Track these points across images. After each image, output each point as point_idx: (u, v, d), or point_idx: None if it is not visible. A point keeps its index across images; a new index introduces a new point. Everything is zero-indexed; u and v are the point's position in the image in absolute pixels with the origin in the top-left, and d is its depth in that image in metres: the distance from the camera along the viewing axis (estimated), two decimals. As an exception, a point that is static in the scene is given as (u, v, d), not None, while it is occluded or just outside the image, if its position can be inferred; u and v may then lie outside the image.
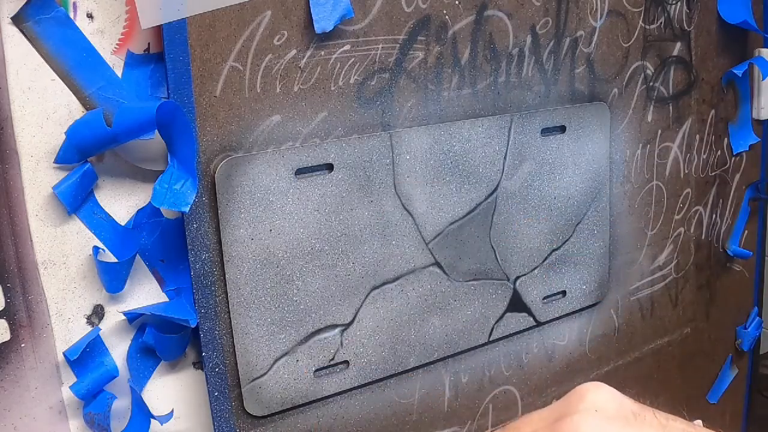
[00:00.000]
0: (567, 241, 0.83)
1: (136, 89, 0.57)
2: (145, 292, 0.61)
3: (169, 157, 0.57)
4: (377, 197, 0.68)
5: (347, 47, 0.65)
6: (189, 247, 0.60)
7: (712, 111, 0.98)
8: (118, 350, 0.61)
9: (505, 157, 0.76)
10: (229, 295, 0.62)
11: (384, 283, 0.70)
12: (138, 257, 0.60)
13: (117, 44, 0.56)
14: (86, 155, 0.55)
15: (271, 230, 0.63)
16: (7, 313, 0.55)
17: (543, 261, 0.82)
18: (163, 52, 0.56)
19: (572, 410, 0.39)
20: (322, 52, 0.64)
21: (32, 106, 0.53)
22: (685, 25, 0.91)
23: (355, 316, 0.69)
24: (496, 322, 0.79)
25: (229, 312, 0.63)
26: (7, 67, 0.52)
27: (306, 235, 0.65)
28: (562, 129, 0.80)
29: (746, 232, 1.07)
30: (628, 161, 0.89)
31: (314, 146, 0.64)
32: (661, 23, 0.88)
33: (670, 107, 0.92)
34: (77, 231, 0.57)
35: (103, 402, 0.60)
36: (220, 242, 0.61)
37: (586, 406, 0.39)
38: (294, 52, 0.62)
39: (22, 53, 0.52)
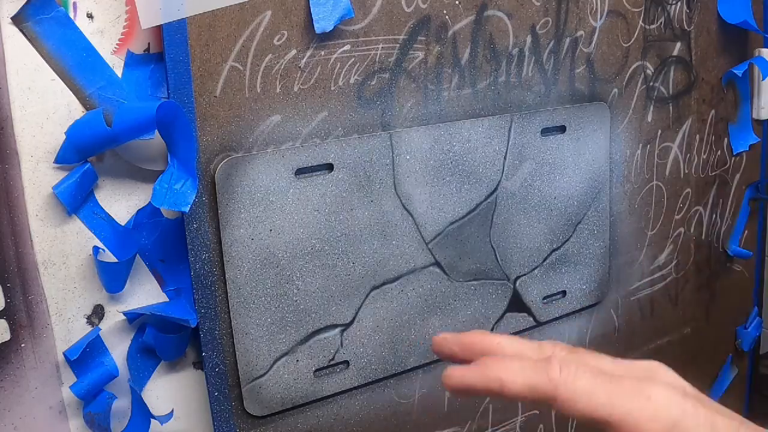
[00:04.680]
0: (567, 241, 0.83)
1: (136, 89, 0.57)
2: (145, 292, 0.61)
3: (169, 157, 0.57)
4: (377, 197, 0.68)
5: (347, 47, 0.65)
6: (189, 247, 0.60)
7: (712, 111, 0.98)
8: (118, 350, 0.61)
9: (505, 157, 0.76)
10: (229, 295, 0.62)
11: (384, 283, 0.70)
12: (138, 257, 0.60)
13: (117, 44, 0.56)
14: (86, 155, 0.55)
15: (271, 230, 0.63)
16: (7, 313, 0.55)
17: (543, 261, 0.82)
18: (163, 52, 0.56)
19: (651, 377, 0.38)
20: (322, 52, 0.64)
21: (32, 106, 0.53)
22: (685, 25, 0.91)
23: (355, 316, 0.69)
24: (496, 322, 0.79)
25: (229, 312, 0.63)
26: (7, 67, 0.52)
27: (306, 235, 0.65)
28: (562, 129, 0.80)
29: (746, 232, 1.07)
30: (628, 161, 0.89)
31: (314, 146, 0.64)
32: (661, 23, 0.88)
33: (670, 107, 0.92)
34: (77, 231, 0.57)
35: (103, 402, 0.60)
36: (220, 242, 0.61)
37: (662, 380, 0.38)
38: (294, 52, 0.62)
39: (22, 53, 0.53)
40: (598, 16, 0.81)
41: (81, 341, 0.58)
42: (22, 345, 0.56)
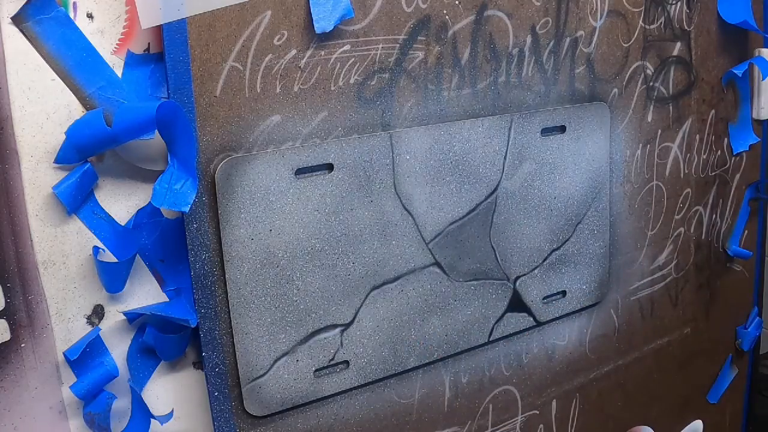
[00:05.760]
0: (567, 241, 0.83)
1: (136, 89, 0.57)
2: (145, 292, 0.61)
3: (169, 157, 0.57)
4: (377, 197, 0.68)
5: (347, 47, 0.65)
6: (189, 247, 0.60)
7: (712, 111, 0.98)
8: (118, 350, 0.61)
9: (505, 157, 0.76)
10: (229, 295, 0.62)
11: (384, 283, 0.70)
12: (138, 257, 0.60)
13: (117, 44, 0.56)
14: (86, 155, 0.55)
15: (271, 230, 0.63)
16: (7, 313, 0.55)
17: (543, 261, 0.82)
18: (163, 52, 0.56)
19: None
20: (322, 52, 0.64)
21: (32, 106, 0.53)
22: (685, 25, 0.91)
23: (355, 316, 0.69)
24: (496, 322, 0.79)
25: (229, 312, 0.63)
26: (7, 67, 0.52)
27: (306, 235, 0.65)
28: (562, 129, 0.80)
29: (746, 232, 1.07)
30: (628, 161, 0.89)
31: (314, 146, 0.64)
32: (661, 23, 0.88)
33: (670, 107, 0.92)
34: (77, 231, 0.57)
35: (103, 402, 0.60)
36: (220, 242, 0.61)
37: None
38: (294, 52, 0.62)
39: (22, 53, 0.53)
40: (598, 16, 0.81)
41: (81, 341, 0.58)
42: (22, 345, 0.56)
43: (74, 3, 0.54)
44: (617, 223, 0.89)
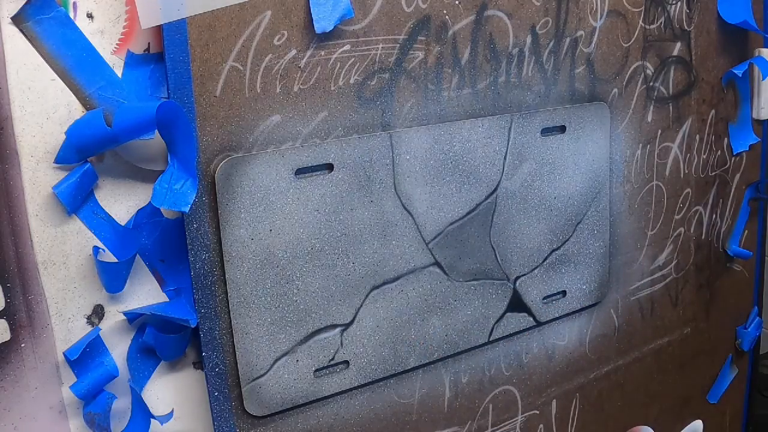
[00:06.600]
0: (567, 241, 0.83)
1: (136, 89, 0.57)
2: (145, 292, 0.61)
3: (169, 157, 0.57)
4: (377, 197, 0.68)
5: (347, 47, 0.65)
6: (189, 247, 0.60)
7: (712, 111, 0.98)
8: (118, 350, 0.61)
9: (505, 157, 0.76)
10: (229, 295, 0.62)
11: (384, 283, 0.70)
12: (138, 257, 0.60)
13: (117, 44, 0.56)
14: (86, 155, 0.55)
15: (271, 230, 0.63)
16: (7, 313, 0.55)
17: (543, 261, 0.82)
18: (163, 52, 0.56)
19: None
20: (322, 52, 0.64)
21: (32, 106, 0.53)
22: (685, 25, 0.91)
23: (355, 316, 0.69)
24: (496, 322, 0.79)
25: (229, 312, 0.63)
26: (7, 67, 0.52)
27: (306, 235, 0.65)
28: (562, 129, 0.80)
29: (746, 232, 1.07)
30: (628, 161, 0.89)
31: (314, 146, 0.64)
32: (661, 23, 0.88)
33: (670, 107, 0.92)
34: (77, 231, 0.57)
35: (103, 402, 0.60)
36: (220, 242, 0.61)
37: None
38: (294, 52, 0.62)
39: (22, 53, 0.53)
40: (598, 16, 0.81)
41: (81, 341, 0.58)
42: (22, 345, 0.56)
43: (74, 3, 0.54)
44: (617, 223, 0.89)
